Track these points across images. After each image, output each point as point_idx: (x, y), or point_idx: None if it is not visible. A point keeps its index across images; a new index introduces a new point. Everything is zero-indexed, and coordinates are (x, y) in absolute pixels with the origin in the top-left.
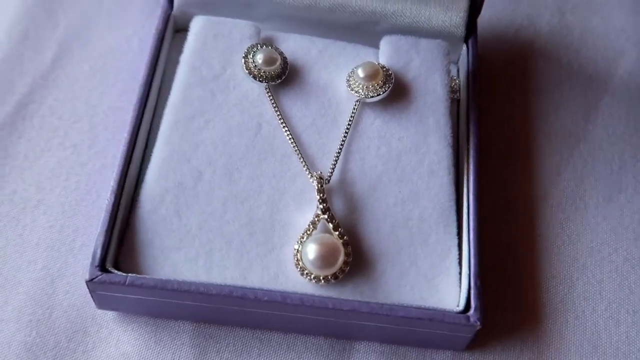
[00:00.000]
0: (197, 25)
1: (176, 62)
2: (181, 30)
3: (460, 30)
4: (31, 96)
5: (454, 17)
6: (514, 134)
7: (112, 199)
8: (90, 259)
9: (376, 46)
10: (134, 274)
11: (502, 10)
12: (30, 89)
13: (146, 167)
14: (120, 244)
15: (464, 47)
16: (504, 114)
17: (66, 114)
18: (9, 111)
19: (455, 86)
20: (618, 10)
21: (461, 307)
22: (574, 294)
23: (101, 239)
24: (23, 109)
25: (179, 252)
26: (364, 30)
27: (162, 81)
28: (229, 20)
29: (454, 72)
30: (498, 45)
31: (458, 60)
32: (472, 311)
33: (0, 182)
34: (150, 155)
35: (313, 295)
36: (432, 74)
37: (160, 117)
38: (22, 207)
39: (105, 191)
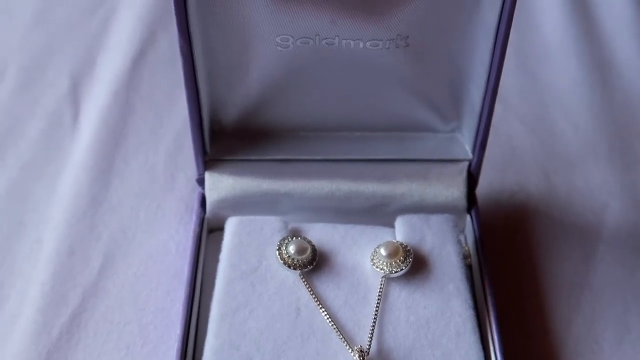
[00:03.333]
0: (232, 225)
1: (212, 259)
2: (214, 230)
3: (463, 203)
4: (83, 305)
5: (455, 192)
6: (524, 289)
7: None
8: None
9: (390, 224)
10: None
11: (493, 179)
12: (82, 299)
13: (199, 359)
14: None
15: (468, 217)
16: (512, 271)
17: (117, 318)
18: (64, 321)
19: (466, 252)
20: (596, 169)
21: None
22: None
23: None
24: (77, 318)
25: None
26: (377, 212)
27: (202, 278)
28: (259, 218)
29: (462, 240)
30: (496, 211)
31: (464, 228)
32: None
33: None
34: (202, 347)
35: None
36: (445, 245)
37: (205, 311)
38: None
39: None
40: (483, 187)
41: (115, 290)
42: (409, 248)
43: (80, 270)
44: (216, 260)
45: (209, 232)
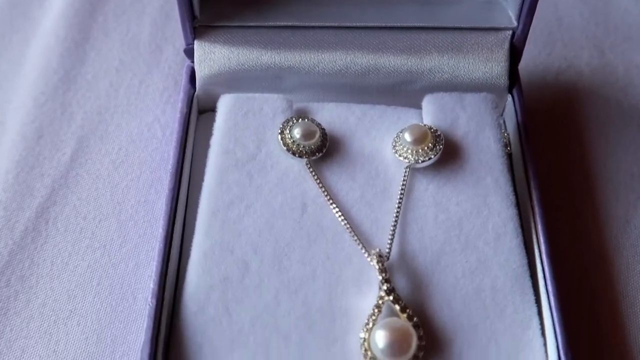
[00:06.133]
0: (225, 104)
1: (204, 146)
2: (206, 111)
3: (503, 81)
4: (53, 198)
5: (495, 68)
6: (574, 183)
7: (154, 302)
8: None
9: (415, 106)
10: None
11: (537, 55)
12: (51, 190)
13: (186, 263)
14: (167, 350)
15: (509, 97)
16: (560, 163)
17: (91, 213)
18: (30, 216)
19: (506, 139)
20: None
21: None
22: None
23: (147, 349)
24: (45, 212)
25: (232, 354)
26: (399, 91)
27: (191, 167)
28: (258, 95)
29: (502, 124)
30: (540, 92)
31: (503, 111)
32: None
33: (27, 295)
34: (189, 249)
35: None
36: (483, 130)
37: (194, 206)
38: (53, 319)
39: (142, 293)
40: (526, 63)
41: (90, 180)
42: (439, 133)
43: (49, 156)
44: (208, 146)
45: (199, 112)
